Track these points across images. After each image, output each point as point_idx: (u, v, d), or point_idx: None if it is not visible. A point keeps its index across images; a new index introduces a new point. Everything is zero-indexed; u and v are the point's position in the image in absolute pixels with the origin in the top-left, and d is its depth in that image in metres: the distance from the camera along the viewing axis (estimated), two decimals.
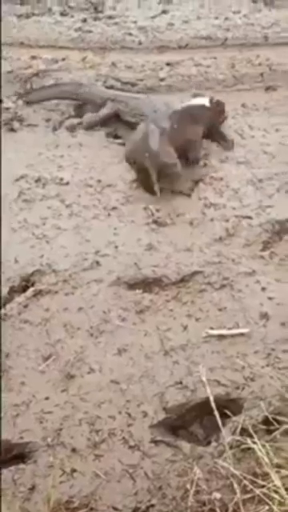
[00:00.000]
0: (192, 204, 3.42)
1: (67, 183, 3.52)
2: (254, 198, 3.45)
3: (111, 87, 4.54)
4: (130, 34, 5.30)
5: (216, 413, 1.92)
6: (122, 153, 3.68)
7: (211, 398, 1.96)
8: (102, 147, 3.87)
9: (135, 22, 5.45)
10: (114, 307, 2.74)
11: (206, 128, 3.68)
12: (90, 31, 5.31)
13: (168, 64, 4.86)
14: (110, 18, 5.59)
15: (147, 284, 2.90)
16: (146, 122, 3.51)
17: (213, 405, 1.93)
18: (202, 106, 3.66)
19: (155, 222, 3.26)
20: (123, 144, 3.81)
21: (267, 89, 4.64)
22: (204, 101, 3.70)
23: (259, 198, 3.45)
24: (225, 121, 3.97)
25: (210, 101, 3.73)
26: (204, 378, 2.04)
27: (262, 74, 4.76)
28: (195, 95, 4.04)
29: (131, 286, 2.88)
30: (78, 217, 3.26)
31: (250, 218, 3.31)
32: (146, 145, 3.33)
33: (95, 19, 5.57)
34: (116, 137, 4.08)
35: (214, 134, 3.85)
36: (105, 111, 4.04)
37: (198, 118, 3.61)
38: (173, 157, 3.38)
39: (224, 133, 3.90)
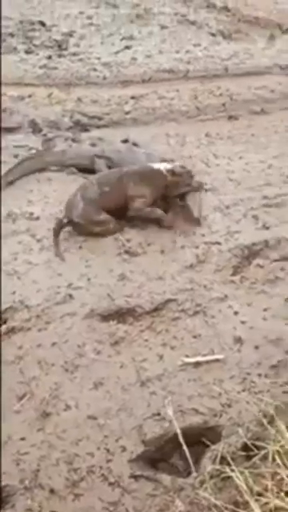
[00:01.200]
0: (162, 232, 3.47)
1: (37, 218, 3.53)
2: (222, 224, 3.53)
3: (78, 122, 4.64)
4: (95, 70, 5.45)
5: (185, 447, 1.91)
6: None
7: (179, 431, 1.94)
8: (71, 181, 3.91)
9: (99, 58, 5.61)
10: (88, 340, 2.73)
11: (161, 193, 3.53)
12: (55, 68, 5.44)
13: (132, 97, 5.00)
14: (75, 54, 5.74)
15: (121, 315, 2.91)
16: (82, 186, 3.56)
17: (181, 439, 1.93)
18: (156, 171, 3.49)
19: (127, 252, 3.29)
20: None
21: (229, 118, 4.82)
22: (161, 166, 3.52)
23: (227, 223, 3.53)
24: (186, 194, 3.62)
25: (170, 170, 3.49)
26: (171, 412, 2.03)
27: (223, 104, 4.94)
28: (167, 160, 3.76)
29: (105, 317, 2.88)
30: (48, 251, 3.26)
31: (219, 243, 3.37)
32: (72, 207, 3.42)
33: (60, 56, 5.70)
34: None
35: (173, 205, 3.61)
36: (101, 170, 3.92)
37: (148, 181, 3.47)
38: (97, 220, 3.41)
39: (190, 208, 3.55)
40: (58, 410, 2.38)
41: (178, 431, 1.95)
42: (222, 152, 4.26)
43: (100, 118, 4.70)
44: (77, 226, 3.39)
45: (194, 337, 2.79)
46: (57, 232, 3.31)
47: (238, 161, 4.16)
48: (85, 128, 4.63)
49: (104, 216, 3.40)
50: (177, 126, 4.59)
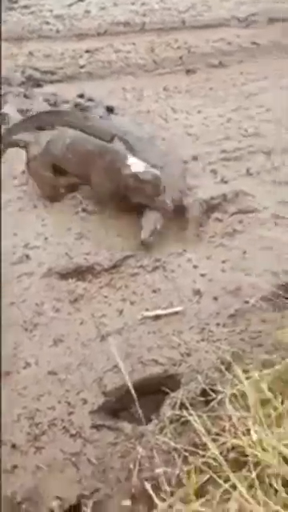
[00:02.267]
0: None
1: None
2: None
3: (30, 77, 4.45)
4: (47, 23, 5.20)
5: (135, 398, 1.97)
6: None
7: (130, 386, 1.95)
8: None
9: (51, 11, 5.35)
10: (47, 299, 2.69)
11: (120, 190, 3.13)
12: (5, 21, 5.16)
13: (87, 51, 4.81)
14: (26, 7, 5.46)
15: (80, 273, 2.87)
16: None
17: (132, 392, 1.94)
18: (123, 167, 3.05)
19: (84, 210, 3.23)
20: None
21: (187, 71, 4.71)
22: (133, 165, 3.04)
23: (186, 179, 3.49)
24: (146, 208, 3.08)
25: (133, 174, 3.02)
26: (120, 362, 2.03)
27: (181, 57, 4.82)
28: (151, 166, 3.09)
29: (63, 275, 2.84)
30: (3, 210, 3.17)
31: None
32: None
33: (10, 9, 5.41)
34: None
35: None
36: None
37: (112, 171, 3.11)
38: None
39: (141, 226, 3.03)
40: (17, 368, 2.36)
41: (129, 384, 1.95)
42: (180, 106, 4.18)
43: (53, 73, 4.52)
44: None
45: (154, 291, 2.79)
46: None
47: (196, 115, 4.10)
48: (37, 83, 4.45)
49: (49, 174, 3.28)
50: (134, 79, 4.46)
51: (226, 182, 3.50)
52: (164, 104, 4.20)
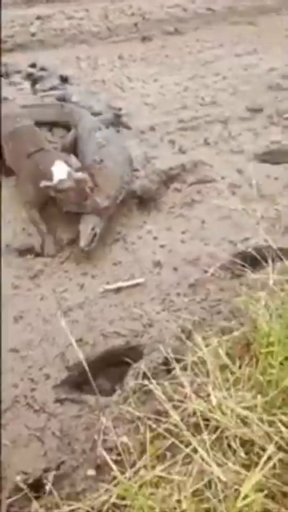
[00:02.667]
0: None
1: None
2: (139, 149, 3.45)
3: None
4: None
5: (87, 370, 1.92)
6: None
7: (84, 363, 1.95)
8: None
9: None
10: (6, 276, 2.65)
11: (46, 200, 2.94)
12: None
13: (38, 18, 4.63)
14: None
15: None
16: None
17: (87, 369, 1.92)
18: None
19: None
20: None
21: (143, 39, 4.62)
22: (59, 174, 2.77)
23: (144, 149, 3.47)
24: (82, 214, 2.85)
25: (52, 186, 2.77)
26: (73, 340, 2.00)
27: (136, 24, 4.72)
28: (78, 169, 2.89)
29: (22, 252, 2.80)
30: None
31: (137, 170, 3.31)
32: None
33: None
34: None
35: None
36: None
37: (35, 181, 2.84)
38: None
39: (80, 234, 2.79)
40: None
41: (84, 362, 1.95)
42: (135, 75, 4.11)
43: (3, 41, 4.33)
44: None
45: (115, 264, 2.79)
46: None
47: (152, 84, 4.04)
48: None
49: None
50: (88, 48, 4.35)
51: (184, 152, 3.49)
52: (119, 73, 4.12)
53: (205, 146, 3.54)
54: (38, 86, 4.07)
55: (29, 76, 4.09)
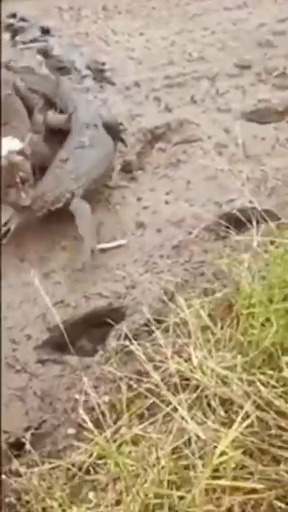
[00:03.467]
0: None
1: None
2: (123, 106, 3.35)
3: None
4: None
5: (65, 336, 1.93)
6: None
7: (62, 328, 1.95)
8: None
9: None
10: None
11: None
12: None
13: None
14: None
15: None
16: None
17: (65, 335, 1.94)
18: None
19: None
20: None
21: None
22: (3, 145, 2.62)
23: (128, 106, 3.36)
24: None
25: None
26: (50, 304, 1.99)
27: None
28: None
29: None
30: None
31: (121, 124, 3.21)
32: None
33: None
34: None
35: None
36: None
37: None
38: None
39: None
40: None
41: (61, 326, 1.94)
42: (120, 28, 3.95)
43: None
44: None
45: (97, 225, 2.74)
46: None
47: (138, 37, 3.89)
48: None
49: None
50: None
51: (169, 111, 3.40)
52: (104, 25, 3.95)
53: (191, 104, 3.44)
54: (18, 38, 3.89)
55: (8, 27, 3.90)
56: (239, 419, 1.47)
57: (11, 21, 4.03)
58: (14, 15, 4.01)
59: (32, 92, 3.19)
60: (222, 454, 1.40)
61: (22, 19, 3.94)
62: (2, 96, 2.79)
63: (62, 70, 3.66)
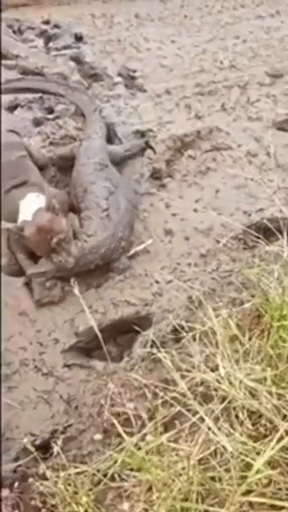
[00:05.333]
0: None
1: None
2: (154, 113, 3.36)
3: None
4: None
5: (101, 339, 1.91)
6: None
7: (96, 330, 1.93)
8: None
9: None
10: None
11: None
12: None
13: None
14: None
15: None
16: None
17: (100, 337, 1.90)
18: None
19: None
20: None
21: None
22: (27, 206, 2.33)
23: (159, 113, 3.37)
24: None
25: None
26: (86, 308, 1.96)
27: None
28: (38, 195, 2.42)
29: None
30: None
31: (152, 131, 3.23)
32: None
33: None
34: None
35: None
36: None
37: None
38: None
39: None
40: None
41: (96, 328, 1.94)
42: (153, 35, 3.97)
43: None
44: None
45: None
46: None
47: (170, 45, 3.90)
48: None
49: None
50: (103, 5, 4.18)
51: (200, 118, 3.40)
52: (136, 32, 3.97)
53: (222, 112, 3.43)
54: (51, 44, 3.95)
55: (42, 33, 3.95)
56: (276, 437, 1.45)
57: (45, 27, 4.09)
58: (47, 22, 4.07)
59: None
60: (258, 471, 1.38)
61: (56, 26, 4.00)
62: (14, 158, 2.58)
63: (93, 76, 3.70)
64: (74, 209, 2.63)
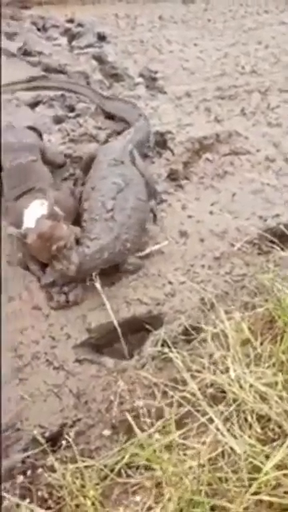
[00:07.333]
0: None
1: None
2: (174, 115, 3.37)
3: None
4: None
5: (120, 334, 1.92)
6: None
7: (116, 323, 1.94)
8: None
9: None
10: None
11: None
12: None
13: None
14: None
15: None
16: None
17: (118, 329, 1.92)
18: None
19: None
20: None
21: (185, 0, 4.45)
22: (31, 214, 2.32)
23: (178, 116, 3.39)
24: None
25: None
26: (106, 301, 1.95)
27: None
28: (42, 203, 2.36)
29: None
30: None
31: (170, 132, 3.24)
32: None
33: None
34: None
35: None
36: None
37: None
38: None
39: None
40: (1, 302, 2.35)
41: (115, 321, 1.96)
42: (175, 37, 3.98)
43: None
44: None
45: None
46: None
47: (192, 48, 3.91)
48: (25, 5, 4.16)
49: None
50: (127, 6, 4.20)
51: (219, 122, 3.41)
52: (159, 34, 3.99)
53: (241, 117, 3.44)
54: (74, 43, 3.98)
55: (66, 32, 3.99)
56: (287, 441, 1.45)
57: (69, 26, 4.12)
58: (71, 20, 4.11)
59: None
60: (267, 473, 1.39)
61: (80, 24, 4.03)
62: (25, 161, 2.59)
63: (114, 76, 3.73)
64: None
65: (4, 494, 1.62)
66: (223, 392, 1.84)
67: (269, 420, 1.68)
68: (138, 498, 1.47)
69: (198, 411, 1.81)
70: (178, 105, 3.45)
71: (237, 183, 3.01)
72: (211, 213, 2.87)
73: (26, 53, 3.76)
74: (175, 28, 4.08)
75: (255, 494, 1.38)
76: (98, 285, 2.00)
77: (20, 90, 3.40)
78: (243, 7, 4.47)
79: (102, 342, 2.29)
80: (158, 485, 1.48)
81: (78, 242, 2.37)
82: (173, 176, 3.10)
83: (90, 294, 2.41)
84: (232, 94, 3.58)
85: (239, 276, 2.51)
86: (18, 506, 1.58)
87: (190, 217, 2.84)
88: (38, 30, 3.94)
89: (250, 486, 1.44)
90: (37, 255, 2.35)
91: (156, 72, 3.61)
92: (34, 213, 2.28)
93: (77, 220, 2.54)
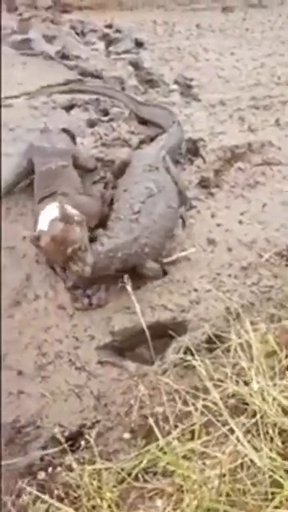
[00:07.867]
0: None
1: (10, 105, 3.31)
2: (206, 123, 3.37)
3: (57, 2, 4.21)
4: None
5: (148, 336, 1.91)
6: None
7: (144, 326, 1.95)
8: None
9: None
10: None
11: None
12: None
13: None
14: None
15: None
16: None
17: (146, 332, 1.95)
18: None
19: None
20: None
21: (224, 9, 4.45)
22: (45, 217, 2.26)
23: (211, 123, 3.38)
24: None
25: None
26: (136, 304, 1.97)
27: None
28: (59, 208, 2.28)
29: None
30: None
31: (203, 140, 3.24)
32: None
33: None
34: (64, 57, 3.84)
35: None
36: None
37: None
38: None
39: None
40: (28, 300, 2.38)
41: (144, 324, 1.96)
42: (212, 46, 3.99)
43: None
44: None
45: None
46: None
47: (228, 57, 3.91)
48: (65, 9, 4.23)
49: None
50: (165, 13, 4.23)
51: (252, 131, 3.39)
52: (196, 42, 4.01)
53: (275, 127, 3.41)
54: (111, 48, 4.02)
55: (104, 37, 4.04)
56: None
57: (107, 31, 4.17)
58: (110, 26, 4.16)
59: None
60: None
61: (118, 30, 4.08)
62: (55, 167, 2.62)
63: (150, 82, 3.75)
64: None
65: (25, 486, 1.63)
66: (245, 403, 1.81)
67: None
68: (158, 503, 1.46)
69: (218, 421, 1.80)
70: (212, 113, 3.45)
71: (267, 193, 2.99)
72: (240, 222, 2.85)
73: (64, 56, 3.82)
74: (212, 36, 4.09)
75: (275, 508, 1.36)
76: (129, 287, 2.01)
77: (56, 93, 3.46)
78: (281, 18, 4.46)
79: (125, 346, 2.29)
80: (177, 491, 1.47)
81: (94, 240, 2.37)
82: (203, 183, 3.09)
83: (114, 296, 2.42)
84: (267, 104, 3.56)
85: (266, 287, 2.48)
86: (35, 501, 1.59)
87: (218, 225, 2.83)
88: (77, 34, 4.00)
89: (269, 499, 1.41)
90: (51, 258, 2.35)
91: (191, 79, 3.62)
92: (49, 215, 2.26)
93: (102, 223, 2.55)
